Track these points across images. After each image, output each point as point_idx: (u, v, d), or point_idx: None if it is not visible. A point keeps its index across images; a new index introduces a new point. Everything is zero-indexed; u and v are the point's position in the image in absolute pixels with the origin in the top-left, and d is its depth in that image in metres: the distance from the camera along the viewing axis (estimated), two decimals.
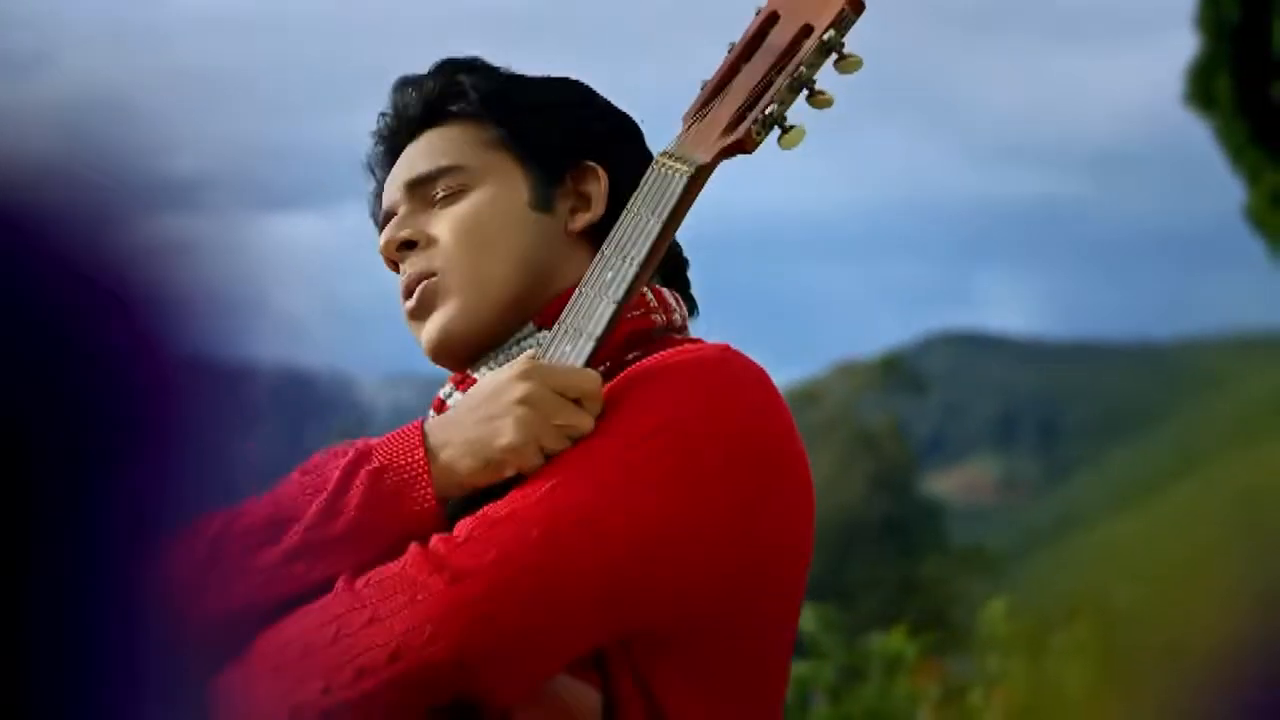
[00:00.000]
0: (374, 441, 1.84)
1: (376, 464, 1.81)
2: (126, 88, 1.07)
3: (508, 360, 1.95)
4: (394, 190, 2.06)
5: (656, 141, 2.01)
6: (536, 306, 1.98)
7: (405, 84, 2.09)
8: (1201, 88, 14.82)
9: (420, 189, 2.03)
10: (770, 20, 1.92)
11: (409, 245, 2.02)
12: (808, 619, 8.36)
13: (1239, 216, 14.91)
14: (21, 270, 0.98)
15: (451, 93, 2.06)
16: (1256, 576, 1.06)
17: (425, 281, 2.00)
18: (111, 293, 0.99)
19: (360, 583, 1.76)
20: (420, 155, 2.05)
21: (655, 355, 1.88)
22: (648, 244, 1.84)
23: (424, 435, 1.82)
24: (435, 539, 1.76)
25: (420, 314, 2.00)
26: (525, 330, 1.97)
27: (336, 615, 1.75)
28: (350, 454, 1.83)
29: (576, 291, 1.86)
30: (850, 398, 44.56)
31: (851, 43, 1.90)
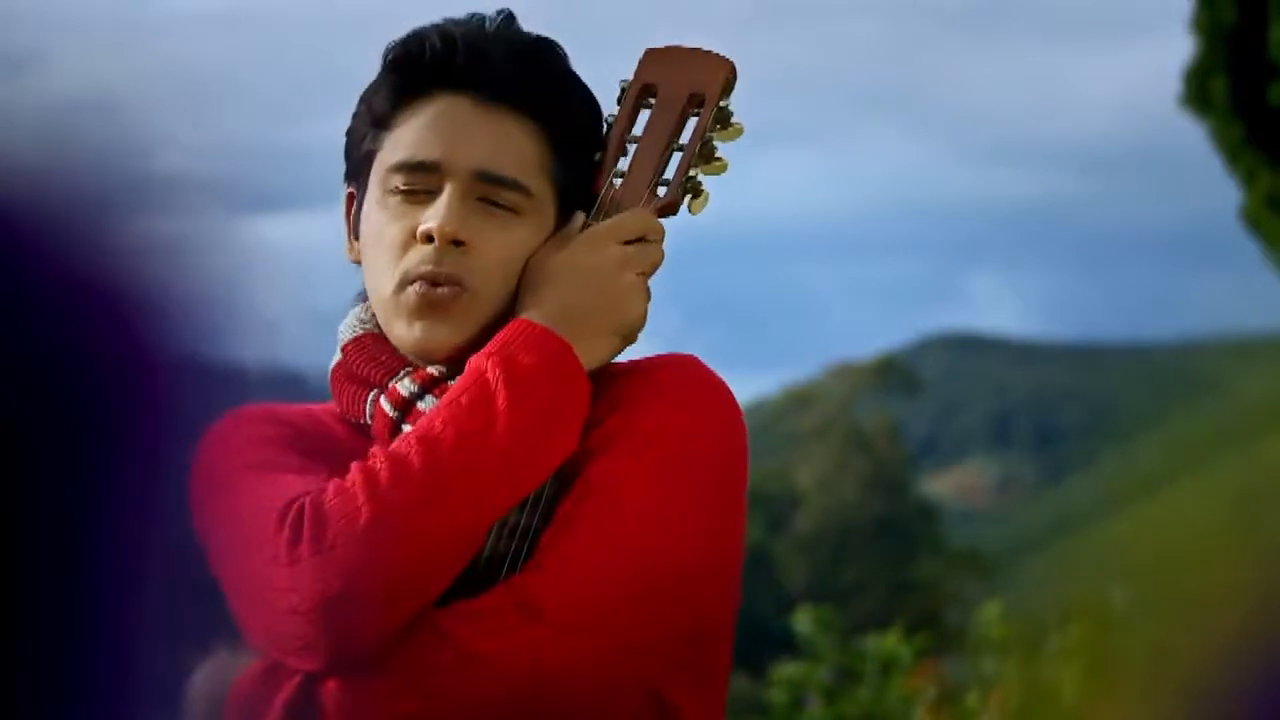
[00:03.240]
0: (494, 353, 1.85)
1: (532, 360, 1.85)
2: (117, 87, 1.06)
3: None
4: (456, 159, 1.94)
5: None
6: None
7: (508, 46, 1.97)
8: (1198, 89, 14.82)
9: (484, 185, 1.94)
10: (645, 91, 2.01)
11: (458, 244, 1.93)
12: (803, 620, 8.36)
13: (1235, 219, 14.92)
14: (11, 270, 0.97)
15: (555, 105, 1.98)
16: (1252, 579, 1.06)
17: (454, 289, 1.92)
18: (101, 292, 0.99)
19: (448, 620, 1.81)
20: (501, 149, 1.95)
21: (651, 370, 1.94)
22: None
23: (549, 329, 1.87)
24: (522, 580, 1.82)
25: (435, 314, 1.93)
26: None
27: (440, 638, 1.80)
28: (492, 369, 1.84)
29: None
30: (845, 399, 44.59)
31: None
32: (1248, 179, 14.80)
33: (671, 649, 1.88)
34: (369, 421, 1.95)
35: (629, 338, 1.92)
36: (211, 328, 0.99)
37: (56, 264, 0.97)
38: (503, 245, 1.94)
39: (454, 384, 1.87)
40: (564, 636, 1.80)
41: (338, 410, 2.00)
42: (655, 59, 2.02)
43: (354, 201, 2.03)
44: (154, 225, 1.00)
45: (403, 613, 1.79)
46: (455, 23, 1.99)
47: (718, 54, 2.01)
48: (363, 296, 2.03)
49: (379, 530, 1.78)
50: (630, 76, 2.03)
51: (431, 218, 1.92)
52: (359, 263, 2.02)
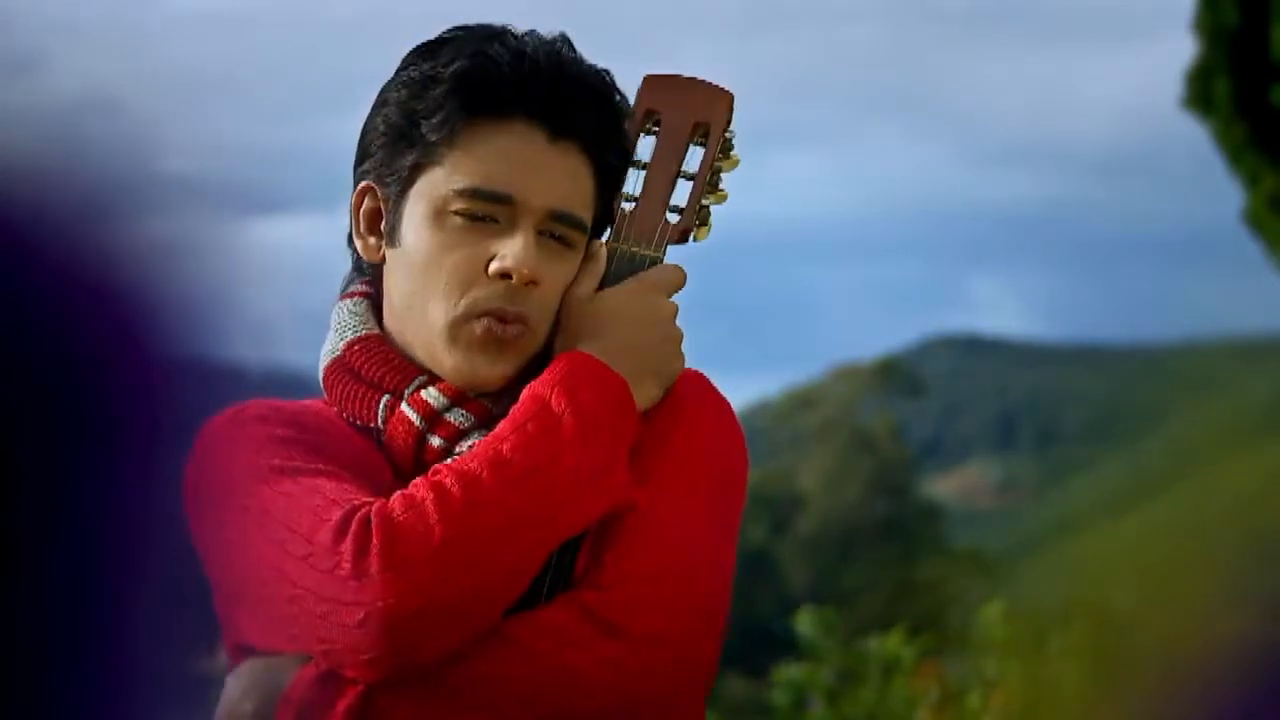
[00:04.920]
0: (558, 384, 1.86)
1: (595, 396, 1.86)
2: (117, 89, 1.06)
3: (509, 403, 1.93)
4: (531, 196, 1.92)
5: None
6: None
7: (578, 78, 1.94)
8: (1200, 91, 14.83)
9: (553, 223, 1.93)
10: (648, 117, 2.03)
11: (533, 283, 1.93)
12: (805, 621, 8.36)
13: (1237, 220, 14.93)
14: (11, 270, 0.97)
15: (612, 144, 1.98)
16: (1252, 580, 1.06)
17: (520, 326, 1.92)
18: (101, 293, 0.99)
19: (520, 632, 1.82)
20: (572, 188, 1.94)
21: (683, 389, 1.98)
22: None
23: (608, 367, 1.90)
24: (588, 594, 1.84)
25: (497, 350, 1.92)
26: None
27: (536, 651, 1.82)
28: (557, 399, 1.85)
29: None
30: (849, 401, 44.58)
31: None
32: (1250, 180, 14.81)
33: (718, 655, 1.93)
34: (379, 426, 1.93)
35: (668, 387, 1.95)
36: (211, 328, 0.99)
37: (57, 265, 0.97)
38: (559, 280, 1.94)
39: (512, 410, 1.86)
40: (643, 650, 1.82)
41: (333, 408, 1.97)
42: (656, 86, 2.04)
43: (366, 197, 1.98)
44: (154, 226, 1.00)
45: (471, 630, 1.79)
46: (518, 41, 1.95)
47: (717, 85, 2.03)
48: (352, 291, 2.00)
49: (454, 551, 1.76)
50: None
51: (510, 257, 1.90)
52: (376, 263, 1.98)
